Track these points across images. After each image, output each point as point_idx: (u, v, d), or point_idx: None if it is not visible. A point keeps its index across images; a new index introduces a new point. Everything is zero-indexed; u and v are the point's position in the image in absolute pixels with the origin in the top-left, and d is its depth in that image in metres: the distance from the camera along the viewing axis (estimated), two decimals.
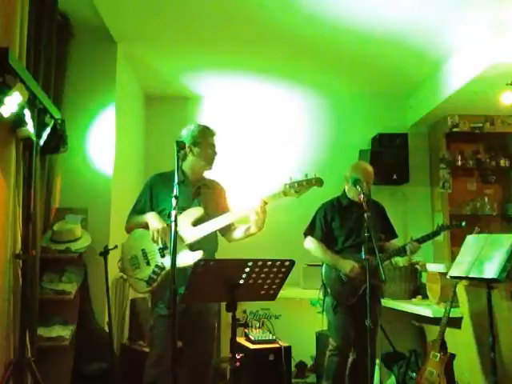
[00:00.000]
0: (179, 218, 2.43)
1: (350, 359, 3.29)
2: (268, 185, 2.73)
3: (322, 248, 3.29)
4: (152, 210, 2.73)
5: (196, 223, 2.60)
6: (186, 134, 2.77)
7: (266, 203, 2.55)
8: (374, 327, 3.11)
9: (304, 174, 2.53)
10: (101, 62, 4.04)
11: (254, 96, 5.37)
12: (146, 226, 2.66)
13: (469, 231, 3.38)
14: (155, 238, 2.58)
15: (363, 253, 3.18)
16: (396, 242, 3.38)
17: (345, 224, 3.31)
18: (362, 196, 2.87)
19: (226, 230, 2.78)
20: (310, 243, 3.35)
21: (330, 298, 3.29)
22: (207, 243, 2.64)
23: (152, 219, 2.64)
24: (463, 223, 3.17)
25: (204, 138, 2.73)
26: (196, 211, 2.62)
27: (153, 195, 2.76)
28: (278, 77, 4.89)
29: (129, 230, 2.79)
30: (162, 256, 2.61)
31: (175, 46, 4.27)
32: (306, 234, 3.40)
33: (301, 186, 2.52)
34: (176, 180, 2.35)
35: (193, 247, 2.55)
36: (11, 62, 2.35)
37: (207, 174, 2.89)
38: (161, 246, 2.60)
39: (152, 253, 2.64)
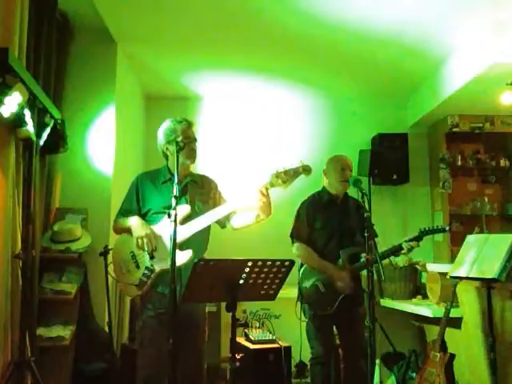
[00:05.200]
0: (166, 218, 2.42)
1: (341, 367, 3.29)
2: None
3: (312, 256, 3.21)
4: (139, 210, 2.69)
5: (184, 221, 2.55)
6: (159, 133, 2.73)
7: (267, 188, 2.49)
8: (359, 332, 3.14)
9: (291, 163, 2.47)
10: (101, 62, 4.04)
11: (254, 96, 5.37)
12: (130, 231, 2.61)
13: (469, 231, 3.37)
14: (140, 246, 2.54)
15: (341, 260, 3.19)
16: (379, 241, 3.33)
17: (327, 224, 3.25)
18: (365, 198, 2.80)
19: (223, 223, 2.75)
20: (299, 250, 3.25)
21: (307, 307, 3.24)
22: (197, 241, 2.60)
23: (135, 225, 2.59)
24: (447, 228, 3.15)
25: (176, 134, 2.65)
26: (183, 209, 2.55)
27: (139, 195, 2.73)
28: (278, 77, 4.89)
29: (116, 231, 2.77)
30: (151, 258, 2.57)
31: (175, 46, 4.27)
32: (292, 237, 3.31)
33: (288, 176, 2.45)
34: (176, 180, 2.34)
35: (182, 246, 2.49)
36: (11, 62, 2.35)
37: (197, 170, 2.85)
38: (148, 253, 2.56)
39: (141, 255, 2.60)
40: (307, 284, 3.22)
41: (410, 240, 3.03)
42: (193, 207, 2.62)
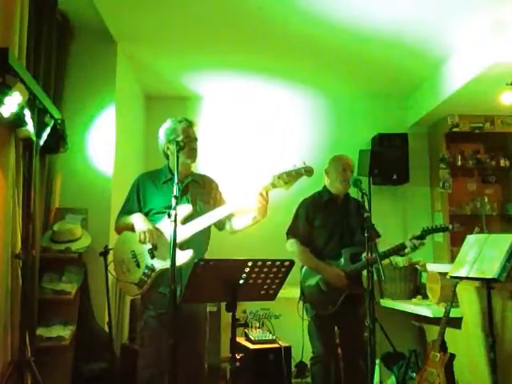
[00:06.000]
0: (166, 218, 2.42)
1: (341, 366, 3.29)
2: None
3: (306, 253, 3.22)
4: (140, 209, 2.70)
5: (185, 221, 2.56)
6: (160, 133, 2.74)
7: (267, 191, 2.51)
8: (360, 331, 3.12)
9: (293, 164, 2.49)
10: (101, 62, 4.04)
11: (254, 96, 5.37)
12: (132, 228, 2.62)
13: (469, 231, 3.37)
14: (142, 239, 2.54)
15: (343, 259, 3.19)
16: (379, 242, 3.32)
17: (326, 222, 3.26)
18: (365, 198, 2.79)
19: (222, 224, 2.76)
20: (293, 247, 3.25)
21: (309, 306, 3.25)
22: (197, 241, 2.60)
23: (137, 221, 2.61)
24: (450, 227, 3.16)
25: (176, 133, 2.67)
26: (184, 209, 2.57)
27: (140, 195, 2.74)
28: (278, 77, 4.89)
29: (118, 230, 2.78)
30: (152, 257, 2.58)
31: (175, 45, 4.27)
32: (288, 234, 3.32)
33: (290, 176, 2.47)
34: (176, 180, 2.35)
35: (182, 246, 2.50)
36: (11, 62, 2.35)
37: (197, 170, 2.86)
38: (149, 246, 2.57)
39: (141, 254, 2.61)
40: (309, 283, 3.23)
41: (413, 239, 3.03)
42: (194, 207, 2.63)
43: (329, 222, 3.27)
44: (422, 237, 3.03)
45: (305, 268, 3.28)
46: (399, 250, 3.08)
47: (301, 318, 3.28)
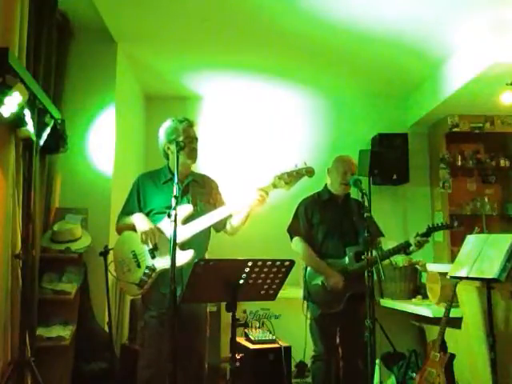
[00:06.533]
0: (166, 218, 2.42)
1: (341, 365, 3.29)
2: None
3: (308, 252, 3.23)
4: (140, 210, 2.70)
5: (186, 221, 2.56)
6: (161, 133, 2.74)
7: (266, 192, 2.53)
8: (360, 331, 3.12)
9: (294, 164, 2.50)
10: (101, 62, 4.04)
11: (254, 96, 5.37)
12: (133, 228, 2.62)
13: (469, 231, 3.37)
14: (144, 240, 2.55)
15: (347, 258, 3.19)
16: (382, 241, 3.32)
17: (325, 219, 3.27)
18: (365, 198, 2.79)
19: (221, 226, 2.76)
20: (298, 247, 3.27)
21: (313, 305, 3.25)
22: (198, 241, 2.61)
23: (139, 221, 2.61)
24: (455, 224, 3.15)
25: (177, 133, 2.67)
26: (185, 209, 2.57)
27: (140, 195, 2.74)
28: (278, 77, 4.89)
29: (119, 231, 2.78)
30: (153, 257, 2.58)
31: (175, 46, 4.27)
32: (290, 233, 3.34)
33: (291, 177, 2.49)
34: (175, 180, 2.35)
35: (183, 246, 2.50)
36: (11, 62, 2.35)
37: (197, 170, 2.87)
38: (151, 247, 2.57)
39: (142, 254, 2.61)
40: (316, 282, 3.23)
41: (418, 236, 3.02)
42: (195, 207, 2.63)
43: (327, 219, 3.27)
44: (427, 234, 3.03)
45: (310, 267, 3.28)
46: (404, 248, 3.08)
47: (302, 318, 3.29)
